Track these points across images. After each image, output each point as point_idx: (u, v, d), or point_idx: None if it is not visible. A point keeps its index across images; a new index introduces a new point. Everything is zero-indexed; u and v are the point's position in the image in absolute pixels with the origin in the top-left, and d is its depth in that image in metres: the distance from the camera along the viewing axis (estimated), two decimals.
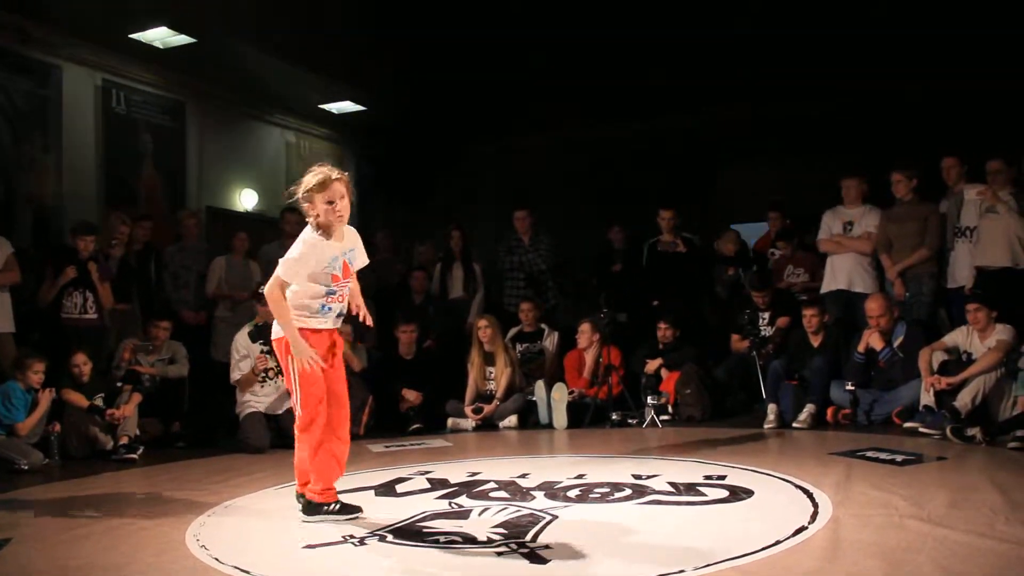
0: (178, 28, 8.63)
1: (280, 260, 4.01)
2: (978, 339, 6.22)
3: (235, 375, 6.88)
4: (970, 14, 8.36)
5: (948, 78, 9.17)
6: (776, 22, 8.91)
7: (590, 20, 9.04)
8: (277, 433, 6.73)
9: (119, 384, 6.84)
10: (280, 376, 6.79)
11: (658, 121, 11.27)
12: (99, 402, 6.50)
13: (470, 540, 3.49)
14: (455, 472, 5.12)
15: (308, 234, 4.01)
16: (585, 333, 7.90)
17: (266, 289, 4.03)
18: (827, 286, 7.59)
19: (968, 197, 6.94)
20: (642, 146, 11.45)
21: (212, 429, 7.23)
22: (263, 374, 6.81)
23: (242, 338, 6.95)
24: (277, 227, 9.05)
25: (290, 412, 6.74)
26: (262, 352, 6.77)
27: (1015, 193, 6.72)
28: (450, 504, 4.22)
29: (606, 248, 9.36)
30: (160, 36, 8.77)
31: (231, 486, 5.03)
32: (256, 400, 6.81)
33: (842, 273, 7.49)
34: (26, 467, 5.83)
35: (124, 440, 6.38)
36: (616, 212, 9.74)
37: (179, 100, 10.05)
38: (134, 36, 8.72)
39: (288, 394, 6.67)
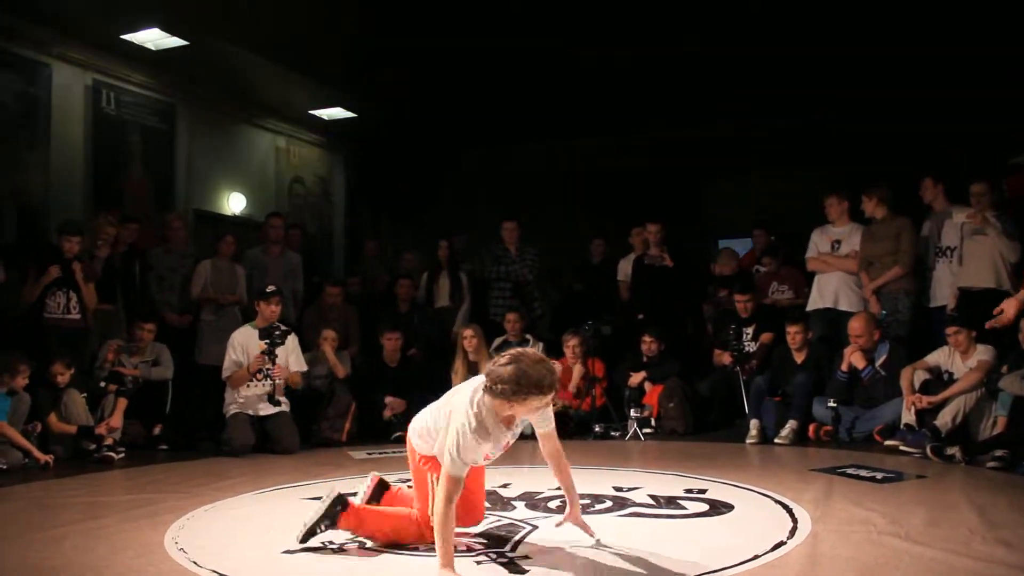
0: (170, 30, 8.61)
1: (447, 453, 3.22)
2: (960, 359, 6.26)
3: (227, 372, 6.89)
4: (956, 32, 8.44)
5: (933, 92, 9.25)
6: (763, 38, 8.97)
7: (583, 32, 9.08)
8: (261, 436, 6.73)
9: (102, 384, 6.81)
10: (269, 379, 6.80)
11: (647, 136, 11.33)
12: (85, 419, 6.48)
13: None
14: None
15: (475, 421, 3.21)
16: (571, 346, 7.90)
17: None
18: (813, 304, 7.63)
19: (956, 220, 6.99)
20: (631, 160, 11.51)
21: (194, 432, 7.22)
22: (258, 374, 6.82)
23: (239, 336, 6.95)
24: (262, 232, 9.04)
25: (277, 416, 6.78)
26: (262, 352, 6.76)
27: (998, 215, 6.78)
28: None
29: (582, 263, 9.48)
30: (152, 38, 8.75)
31: (211, 490, 5.01)
32: (241, 399, 6.83)
33: (828, 291, 7.53)
34: (4, 467, 5.79)
35: (109, 441, 6.35)
36: (603, 225, 9.81)
37: (170, 102, 10.03)
38: (126, 37, 8.69)
39: (273, 396, 6.78)
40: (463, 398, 3.28)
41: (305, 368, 7.25)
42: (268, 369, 6.80)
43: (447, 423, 3.30)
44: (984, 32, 8.39)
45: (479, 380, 3.27)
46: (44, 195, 8.60)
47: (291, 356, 7.02)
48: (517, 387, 3.08)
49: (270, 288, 7.10)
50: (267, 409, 6.83)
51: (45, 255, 7.16)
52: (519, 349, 3.21)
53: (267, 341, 6.77)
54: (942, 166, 7.64)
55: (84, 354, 7.15)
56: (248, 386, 6.85)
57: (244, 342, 6.91)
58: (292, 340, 7.04)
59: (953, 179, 7.33)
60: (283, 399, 6.93)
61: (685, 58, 9.39)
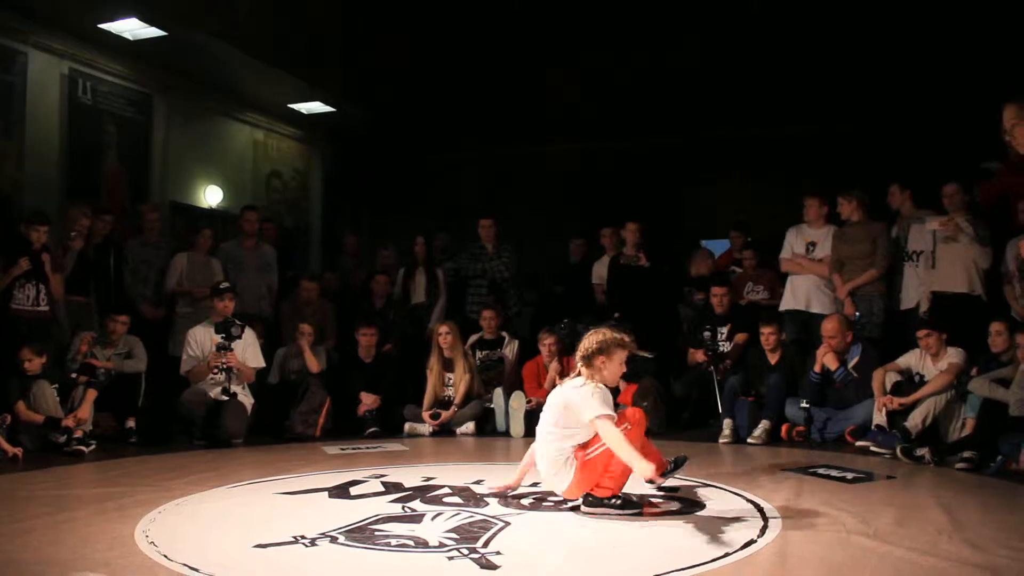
0: (148, 20, 8.54)
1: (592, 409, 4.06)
2: (930, 361, 6.34)
3: (186, 366, 7.08)
4: (933, 44, 8.56)
5: (907, 103, 9.37)
6: (742, 47, 9.07)
7: (561, 37, 9.13)
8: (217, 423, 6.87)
9: (73, 376, 6.74)
10: (225, 372, 6.98)
11: (627, 139, 11.37)
12: (53, 410, 6.40)
13: (422, 544, 3.50)
14: (410, 476, 5.11)
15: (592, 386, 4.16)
16: (547, 344, 7.90)
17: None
18: (786, 304, 7.68)
19: (929, 227, 7.06)
20: (611, 163, 11.55)
21: (167, 426, 7.17)
22: (215, 369, 6.99)
23: (197, 333, 7.14)
24: (238, 225, 8.99)
25: (228, 403, 6.84)
26: (218, 348, 6.92)
27: (971, 219, 6.86)
28: (403, 508, 4.21)
29: (562, 263, 9.50)
30: (130, 28, 8.67)
31: (183, 483, 4.98)
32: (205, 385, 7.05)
33: (801, 293, 7.58)
34: None
35: (79, 434, 6.28)
36: (583, 226, 9.83)
37: (147, 93, 9.95)
38: (103, 26, 8.61)
39: (227, 388, 6.96)
40: (576, 393, 4.12)
41: (262, 364, 7.41)
42: (224, 363, 6.96)
43: (577, 407, 4.09)
44: (952, 39, 8.52)
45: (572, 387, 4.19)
46: (18, 184, 8.50)
47: (248, 351, 7.19)
48: (604, 345, 4.17)
49: (223, 284, 7.33)
50: (212, 389, 7.02)
51: (14, 245, 7.05)
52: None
53: (223, 335, 6.96)
54: (913, 172, 7.73)
55: (52, 346, 7.05)
56: (208, 380, 7.03)
57: (201, 339, 7.12)
58: (249, 335, 7.23)
59: (921, 185, 7.43)
60: (240, 390, 7.07)
61: (667, 66, 9.47)
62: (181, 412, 6.99)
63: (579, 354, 4.23)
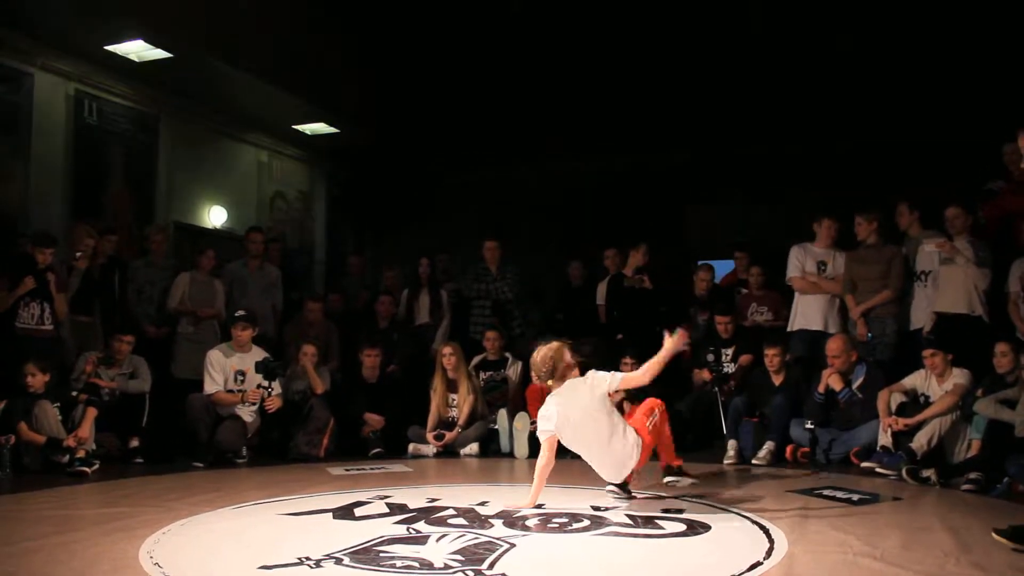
0: (154, 42, 8.60)
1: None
2: (936, 382, 6.33)
3: (211, 388, 7.12)
4: (936, 62, 8.59)
5: (910, 121, 9.40)
6: (743, 66, 9.11)
7: (565, 57, 9.18)
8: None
9: (74, 394, 6.74)
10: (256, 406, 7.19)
11: (630, 158, 11.41)
12: (56, 431, 6.40)
13: (427, 566, 3.48)
14: (414, 497, 5.10)
15: None
16: None
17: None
18: (794, 324, 7.66)
19: (927, 248, 7.06)
20: (614, 183, 11.59)
21: (170, 446, 7.16)
22: (250, 403, 7.17)
23: (218, 357, 7.21)
24: (243, 246, 9.02)
25: (229, 417, 6.95)
26: (259, 386, 7.15)
27: (972, 241, 6.86)
28: (408, 529, 4.20)
29: (563, 286, 9.49)
30: (136, 49, 8.74)
31: (188, 504, 4.97)
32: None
33: (812, 313, 7.55)
34: None
35: (81, 454, 6.27)
36: (584, 247, 9.84)
37: (152, 114, 10.00)
38: (109, 48, 8.68)
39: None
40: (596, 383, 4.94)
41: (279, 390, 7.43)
42: (262, 404, 7.18)
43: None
44: (956, 57, 8.56)
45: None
46: (24, 204, 8.54)
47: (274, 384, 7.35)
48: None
49: (239, 313, 7.42)
50: (226, 411, 7.14)
51: (20, 264, 7.08)
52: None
53: (263, 374, 7.17)
54: (916, 190, 7.75)
55: (56, 365, 7.06)
56: (240, 408, 7.16)
57: (222, 363, 7.20)
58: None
59: (929, 205, 7.44)
60: (252, 409, 7.25)
61: (668, 85, 9.51)
62: (189, 417, 7.04)
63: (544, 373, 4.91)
